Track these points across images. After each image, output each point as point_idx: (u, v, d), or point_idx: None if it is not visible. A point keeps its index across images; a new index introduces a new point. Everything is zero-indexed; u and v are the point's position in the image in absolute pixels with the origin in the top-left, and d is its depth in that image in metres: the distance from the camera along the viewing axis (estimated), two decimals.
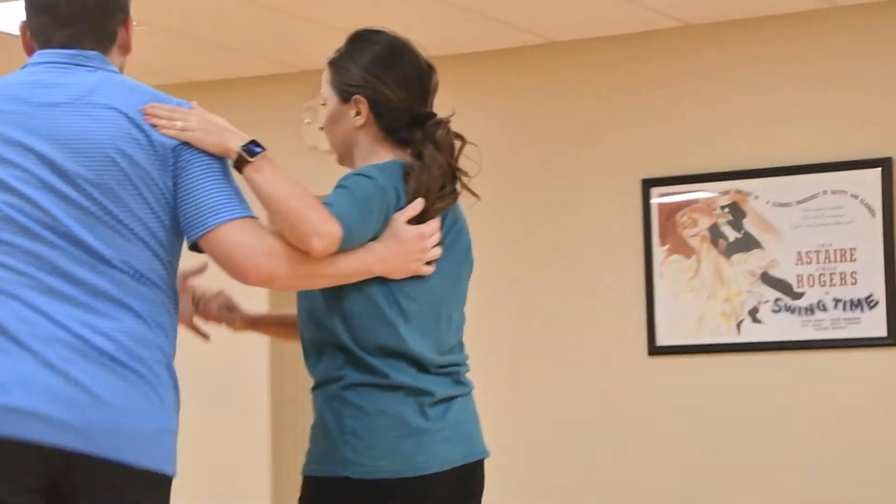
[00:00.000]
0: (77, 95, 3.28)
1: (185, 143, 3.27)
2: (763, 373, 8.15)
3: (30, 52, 3.40)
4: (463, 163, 4.04)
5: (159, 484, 3.21)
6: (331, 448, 3.47)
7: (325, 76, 3.68)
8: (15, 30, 8.54)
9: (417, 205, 3.52)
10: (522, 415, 8.73)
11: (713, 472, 8.26)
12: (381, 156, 3.55)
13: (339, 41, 8.84)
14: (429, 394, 3.53)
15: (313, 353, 3.60)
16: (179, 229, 3.30)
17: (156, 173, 3.21)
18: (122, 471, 3.12)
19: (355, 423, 3.45)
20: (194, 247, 3.31)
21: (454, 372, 3.68)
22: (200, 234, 3.25)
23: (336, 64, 3.67)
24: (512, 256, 8.79)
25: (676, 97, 8.44)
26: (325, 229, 3.30)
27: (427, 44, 8.96)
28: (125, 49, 3.44)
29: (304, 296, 3.60)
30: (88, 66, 3.30)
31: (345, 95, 3.61)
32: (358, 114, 3.57)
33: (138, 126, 3.25)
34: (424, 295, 3.61)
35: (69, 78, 3.29)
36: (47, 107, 3.25)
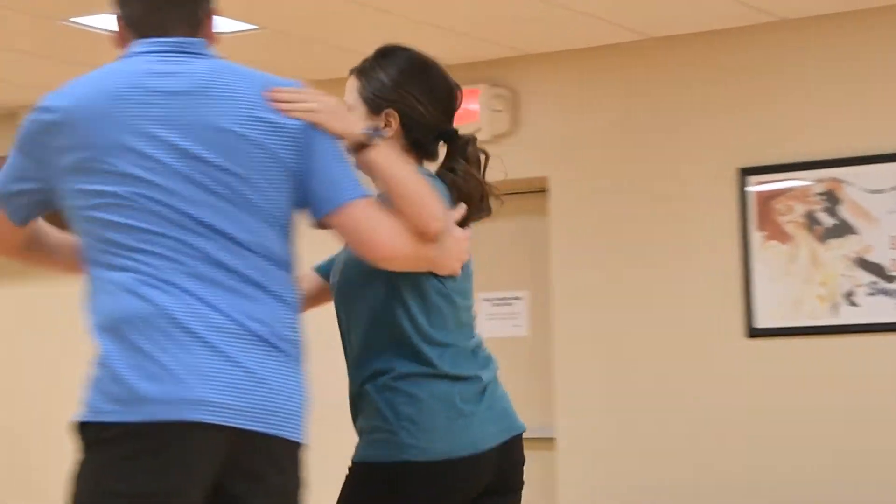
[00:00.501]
0: (197, 83, 3.27)
1: (311, 125, 3.28)
2: (859, 354, 8.05)
3: (123, 43, 3.38)
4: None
5: (300, 453, 3.30)
6: (387, 434, 3.56)
7: (352, 85, 3.66)
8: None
9: (462, 210, 3.57)
10: (623, 397, 8.71)
11: (810, 451, 8.13)
12: None
13: (450, 39, 8.59)
14: (470, 379, 3.64)
15: (365, 352, 3.65)
16: (299, 207, 3.35)
17: (284, 154, 3.22)
18: (278, 443, 3.21)
19: (410, 409, 3.54)
20: (318, 224, 3.35)
21: (484, 357, 3.76)
22: (330, 209, 3.29)
23: (365, 74, 3.65)
24: (613, 245, 8.79)
25: (771, 89, 8.34)
26: (441, 215, 3.39)
27: (535, 41, 8.77)
28: (210, 39, 3.41)
29: (363, 299, 3.64)
30: (195, 54, 3.30)
31: (375, 107, 3.59)
32: (387, 125, 3.56)
33: (263, 109, 3.25)
34: (465, 291, 3.72)
35: (182, 66, 3.27)
36: (170, 95, 3.23)
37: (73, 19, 7.81)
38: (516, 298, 9.36)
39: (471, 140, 3.73)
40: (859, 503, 8.00)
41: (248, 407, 3.18)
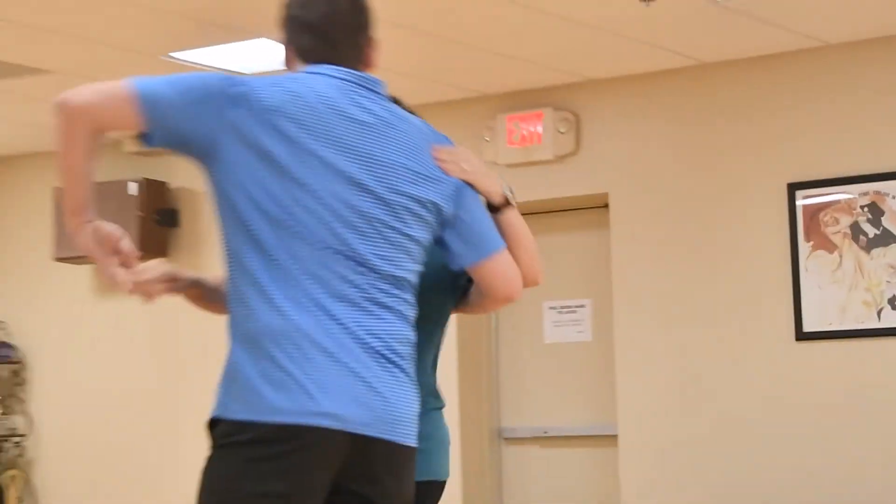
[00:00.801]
0: (380, 121, 3.37)
1: (463, 182, 3.45)
2: None
3: (291, 67, 3.45)
4: None
5: (413, 456, 3.37)
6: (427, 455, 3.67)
7: None
8: (244, 68, 8.30)
9: None
10: (680, 397, 8.73)
11: (858, 446, 8.16)
12: None
13: (517, 67, 8.50)
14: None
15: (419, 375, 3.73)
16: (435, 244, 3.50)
17: (439, 201, 3.36)
18: (394, 448, 3.29)
19: (429, 444, 3.67)
20: (461, 269, 3.53)
21: None
22: (481, 258, 3.48)
23: None
24: (671, 256, 8.84)
25: (817, 110, 8.37)
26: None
27: (596, 67, 8.67)
28: (368, 66, 3.49)
29: (431, 340, 3.77)
30: (376, 92, 3.39)
31: None
32: None
33: (426, 159, 3.40)
34: None
35: (367, 101, 3.37)
36: (357, 123, 3.32)
37: (171, 55, 7.95)
38: (580, 306, 9.37)
39: None
40: None
41: (366, 415, 3.26)
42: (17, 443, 10.88)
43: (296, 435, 3.15)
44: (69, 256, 10.03)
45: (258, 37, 7.72)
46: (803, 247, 8.25)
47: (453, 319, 9.06)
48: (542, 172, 9.25)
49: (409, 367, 3.38)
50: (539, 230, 8.55)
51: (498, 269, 3.51)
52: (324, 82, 3.33)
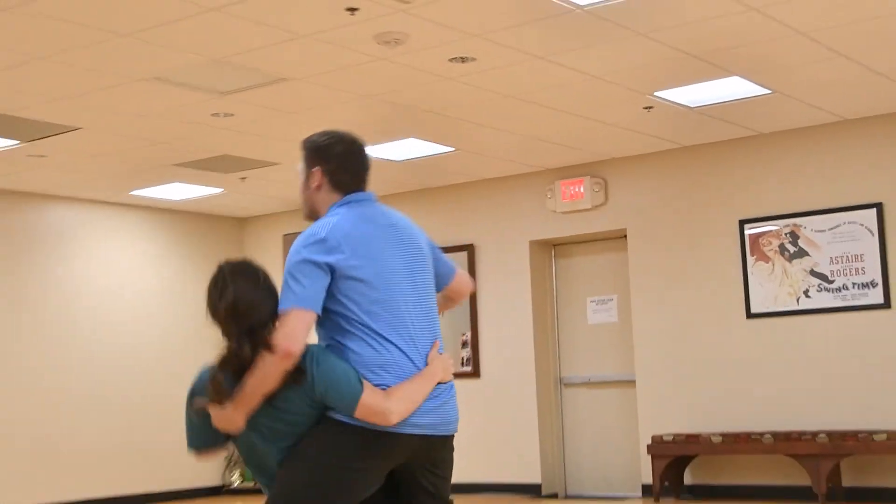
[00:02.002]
0: (398, 222, 3.48)
1: (434, 246, 3.57)
2: (813, 328, 8.87)
3: (318, 187, 3.45)
4: None
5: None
6: None
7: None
8: (394, 157, 9.11)
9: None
10: (676, 355, 9.39)
11: (787, 379, 8.84)
12: None
13: (564, 151, 9.28)
14: None
15: None
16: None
17: (430, 255, 3.55)
18: (449, 438, 3.44)
19: None
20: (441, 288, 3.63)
21: None
22: (452, 278, 3.67)
23: None
24: (666, 267, 9.56)
25: (755, 176, 9.13)
26: None
27: (618, 149, 9.43)
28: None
29: None
30: (380, 204, 3.50)
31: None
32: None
33: (422, 237, 3.54)
34: None
35: (385, 212, 3.48)
36: (390, 227, 3.43)
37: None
38: (610, 299, 10.18)
39: None
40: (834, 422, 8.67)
41: (436, 421, 3.35)
42: None
43: (388, 435, 3.24)
44: None
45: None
46: (749, 259, 9.17)
47: (530, 311, 9.69)
48: (584, 216, 10.06)
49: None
50: (582, 253, 9.74)
51: (460, 279, 3.73)
52: (367, 211, 3.41)
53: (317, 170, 3.43)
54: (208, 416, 3.24)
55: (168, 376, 11.18)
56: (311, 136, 3.53)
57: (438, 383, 3.33)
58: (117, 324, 11.12)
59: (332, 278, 3.23)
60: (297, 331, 3.15)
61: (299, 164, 3.53)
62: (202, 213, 12.00)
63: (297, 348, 3.14)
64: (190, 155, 9.15)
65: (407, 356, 3.30)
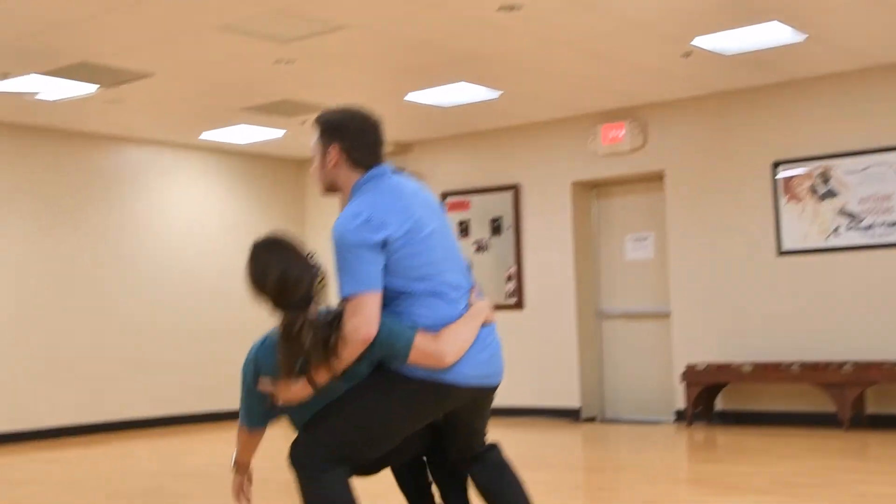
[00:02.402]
0: (418, 187, 3.42)
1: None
2: (842, 265, 8.84)
3: (336, 165, 3.34)
4: None
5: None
6: None
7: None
8: (444, 102, 9.13)
9: None
10: (708, 289, 9.42)
11: (802, 323, 8.91)
12: None
13: (608, 95, 9.25)
14: None
15: None
16: None
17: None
18: (496, 387, 3.43)
19: None
20: None
21: None
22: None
23: None
24: (700, 206, 9.49)
25: (789, 116, 9.07)
26: None
27: (656, 94, 9.42)
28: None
29: None
30: (397, 173, 3.43)
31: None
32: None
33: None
34: None
35: (403, 180, 3.41)
36: (416, 194, 3.36)
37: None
38: (647, 236, 10.22)
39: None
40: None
41: (487, 372, 3.33)
42: None
43: (442, 386, 3.25)
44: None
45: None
46: (781, 199, 9.15)
47: (571, 246, 9.47)
48: (624, 158, 10.06)
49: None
50: (622, 193, 9.82)
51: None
52: (397, 182, 3.35)
53: (333, 147, 3.34)
54: (266, 396, 3.23)
55: (227, 307, 11.44)
56: (324, 113, 3.44)
57: (483, 325, 3.29)
58: (184, 256, 11.32)
59: (386, 252, 3.19)
60: (373, 315, 3.12)
61: (313, 140, 3.43)
62: (265, 155, 12.09)
63: (375, 331, 3.12)
64: (254, 100, 9.24)
65: (456, 310, 3.28)
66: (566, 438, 9.13)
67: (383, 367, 3.21)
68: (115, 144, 10.76)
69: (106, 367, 10.49)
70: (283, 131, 10.71)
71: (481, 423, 3.47)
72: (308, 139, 10.60)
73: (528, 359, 10.42)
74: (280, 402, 3.23)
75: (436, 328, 3.19)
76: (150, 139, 10.95)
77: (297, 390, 3.16)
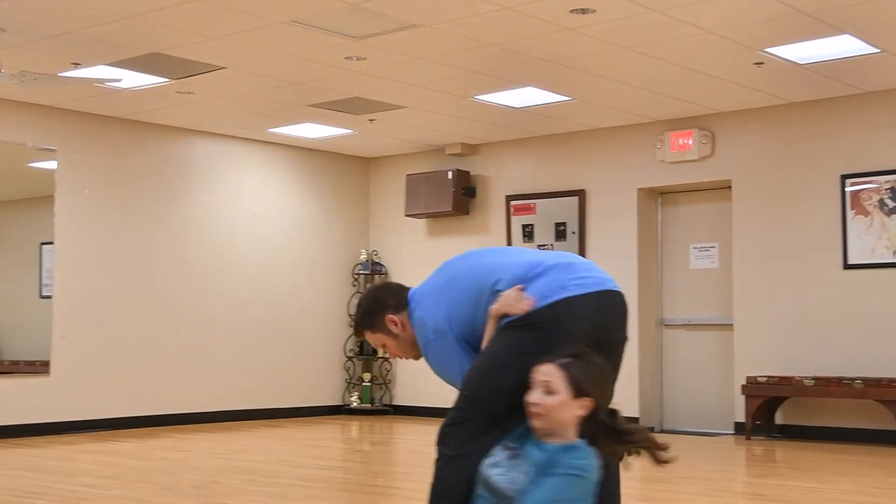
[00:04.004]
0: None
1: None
2: None
3: (402, 328, 3.44)
4: None
5: None
6: None
7: (557, 373, 3.00)
8: (513, 104, 9.00)
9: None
10: (774, 301, 9.39)
11: (866, 338, 8.90)
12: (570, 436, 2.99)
13: (675, 103, 9.10)
14: None
15: None
16: None
17: None
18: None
19: None
20: None
21: None
22: None
23: (570, 367, 3.00)
24: (767, 217, 9.48)
25: (857, 132, 9.07)
26: None
27: (724, 104, 9.24)
28: None
29: None
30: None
31: (577, 393, 2.98)
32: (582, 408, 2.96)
33: None
34: None
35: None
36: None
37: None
38: (713, 246, 10.16)
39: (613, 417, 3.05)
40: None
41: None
42: None
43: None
44: (412, 214, 11.46)
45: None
46: (849, 213, 9.10)
47: (636, 255, 9.56)
48: (691, 167, 10.05)
49: None
50: (688, 202, 9.81)
51: None
52: None
53: (388, 318, 3.45)
54: None
55: (288, 304, 11.54)
56: (355, 318, 3.63)
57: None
58: (248, 251, 11.37)
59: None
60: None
61: (368, 339, 3.55)
62: (332, 152, 12.14)
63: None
64: (323, 96, 9.27)
65: None
66: None
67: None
68: (183, 136, 10.83)
69: (164, 360, 10.55)
70: (351, 129, 10.78)
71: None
72: (374, 138, 11.05)
73: None
74: None
75: None
76: (218, 132, 11.02)
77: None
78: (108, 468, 7.31)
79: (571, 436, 2.99)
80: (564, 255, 3.36)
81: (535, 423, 3.01)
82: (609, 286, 3.26)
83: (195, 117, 10.28)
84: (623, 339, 3.31)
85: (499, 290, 3.21)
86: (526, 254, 3.38)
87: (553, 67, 8.27)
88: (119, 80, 8.53)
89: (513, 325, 3.15)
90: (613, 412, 3.04)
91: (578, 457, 2.94)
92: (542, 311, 3.13)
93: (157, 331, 10.49)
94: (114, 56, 7.97)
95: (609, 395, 3.09)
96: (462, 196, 11.35)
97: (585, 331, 3.16)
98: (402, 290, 3.49)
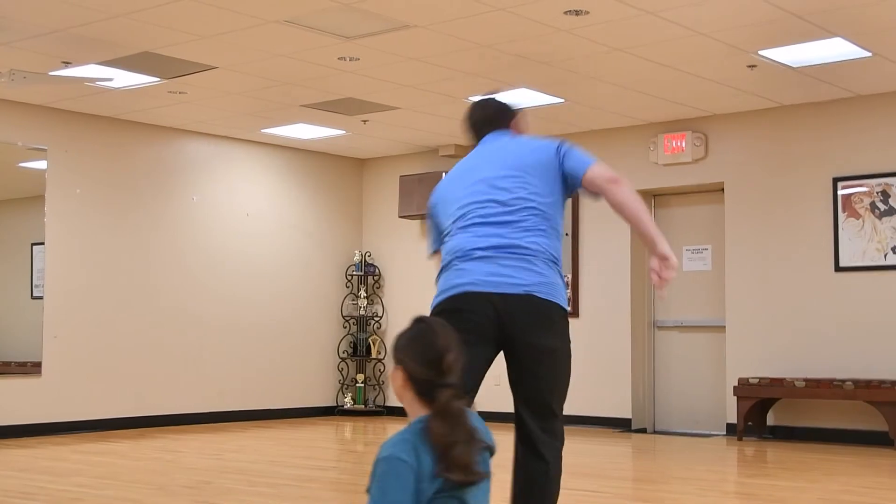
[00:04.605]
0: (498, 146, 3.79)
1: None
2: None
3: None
4: None
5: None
6: None
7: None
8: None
9: None
10: (766, 302, 9.38)
11: (857, 340, 8.84)
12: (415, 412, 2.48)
13: (668, 106, 9.12)
14: None
15: None
16: None
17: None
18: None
19: None
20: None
21: None
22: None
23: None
24: (759, 219, 9.50)
25: (847, 135, 9.05)
26: None
27: (718, 106, 9.06)
28: (515, 130, 3.87)
29: None
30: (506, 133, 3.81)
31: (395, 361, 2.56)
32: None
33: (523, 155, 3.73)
34: None
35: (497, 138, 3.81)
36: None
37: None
38: (705, 248, 10.16)
39: (451, 395, 2.45)
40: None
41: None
42: (377, 320, 11.94)
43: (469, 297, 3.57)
44: (406, 215, 11.43)
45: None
46: (841, 215, 9.09)
47: (629, 256, 9.54)
48: (684, 169, 10.06)
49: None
50: (680, 204, 9.79)
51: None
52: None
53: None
54: None
55: (281, 304, 11.53)
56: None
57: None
58: (241, 252, 11.36)
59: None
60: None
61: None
62: (325, 153, 12.13)
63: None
64: (316, 97, 9.26)
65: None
66: (616, 448, 9.12)
67: None
68: (175, 136, 10.81)
69: (156, 361, 10.53)
70: (345, 130, 10.78)
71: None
72: (367, 139, 11.05)
73: (581, 367, 9.70)
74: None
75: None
76: (211, 132, 11.01)
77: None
78: (100, 468, 7.31)
79: (412, 416, 2.52)
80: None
81: None
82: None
83: (187, 117, 10.27)
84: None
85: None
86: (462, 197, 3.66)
87: (546, 69, 8.27)
88: (110, 80, 8.51)
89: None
90: (456, 394, 2.48)
91: (380, 449, 2.43)
92: None
93: (150, 331, 10.47)
94: (105, 55, 7.95)
95: (435, 360, 2.51)
96: None
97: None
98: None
